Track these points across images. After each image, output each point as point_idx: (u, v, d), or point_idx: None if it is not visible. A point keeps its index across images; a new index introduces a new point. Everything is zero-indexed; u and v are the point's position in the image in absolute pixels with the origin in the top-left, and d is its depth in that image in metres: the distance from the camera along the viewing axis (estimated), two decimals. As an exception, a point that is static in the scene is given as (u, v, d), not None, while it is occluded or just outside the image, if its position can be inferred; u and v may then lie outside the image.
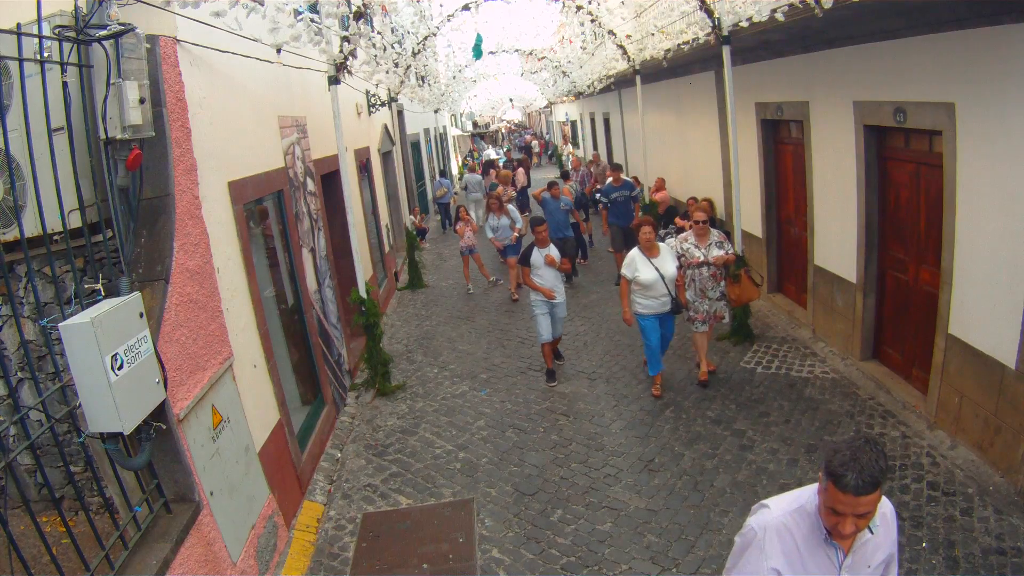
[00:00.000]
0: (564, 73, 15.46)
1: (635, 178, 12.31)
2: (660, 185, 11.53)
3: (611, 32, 9.65)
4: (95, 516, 2.86)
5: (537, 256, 6.28)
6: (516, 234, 9.58)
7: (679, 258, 5.92)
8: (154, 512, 3.05)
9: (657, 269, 5.61)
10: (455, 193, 18.07)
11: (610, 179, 10.04)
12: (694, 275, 6.04)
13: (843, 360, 6.17)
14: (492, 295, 10.07)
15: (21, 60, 2.58)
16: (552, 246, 6.39)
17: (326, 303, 6.42)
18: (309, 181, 6.28)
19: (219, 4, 3.76)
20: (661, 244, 5.82)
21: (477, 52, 12.11)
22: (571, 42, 13.47)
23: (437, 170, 21.62)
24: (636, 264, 5.65)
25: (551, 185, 9.84)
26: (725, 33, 6.26)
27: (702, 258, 5.98)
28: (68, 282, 3.07)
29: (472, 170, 22.86)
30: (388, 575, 4.08)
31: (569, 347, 7.44)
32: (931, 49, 4.51)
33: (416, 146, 17.25)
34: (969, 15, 4.03)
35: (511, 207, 9.81)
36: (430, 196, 19.07)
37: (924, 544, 3.73)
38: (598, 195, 10.33)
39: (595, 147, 21.25)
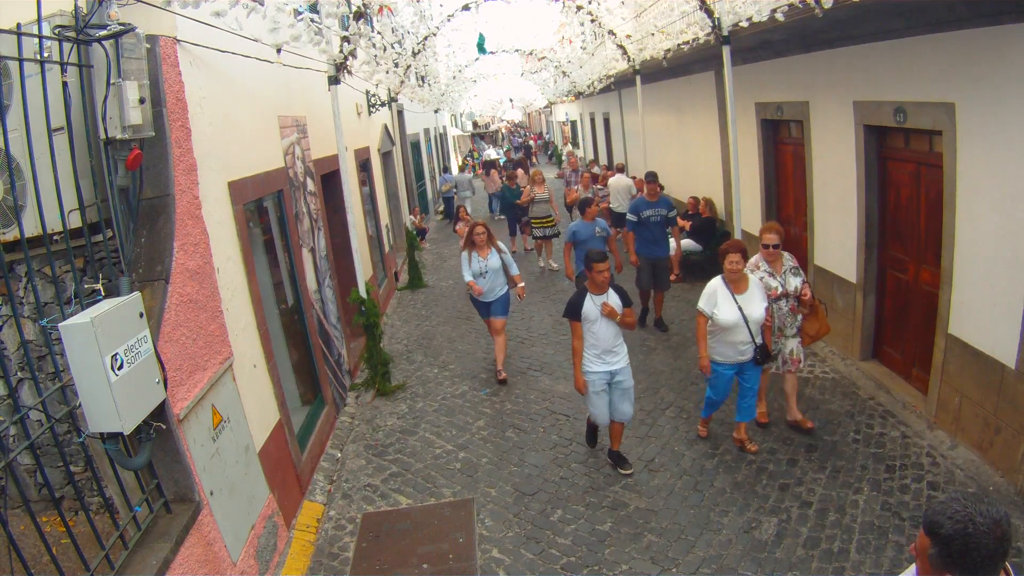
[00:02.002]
0: (564, 73, 15.47)
1: (635, 178, 12.30)
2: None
3: (611, 32, 9.65)
4: (95, 516, 2.86)
5: (591, 306, 4.55)
6: (518, 287, 6.71)
7: None
8: (154, 512, 3.05)
9: (741, 309, 4.50)
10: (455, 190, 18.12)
11: (641, 192, 7.94)
12: (771, 309, 4.78)
13: (843, 360, 6.17)
14: (492, 295, 10.06)
15: (21, 60, 2.57)
16: (612, 291, 4.63)
17: (326, 303, 6.42)
18: (309, 181, 6.28)
19: (219, 4, 3.75)
20: (752, 277, 4.67)
21: (481, 48, 12.14)
22: (571, 42, 13.49)
23: (440, 167, 21.77)
24: (717, 299, 4.58)
25: (583, 205, 7.40)
26: (725, 33, 6.25)
27: (780, 289, 4.84)
28: (68, 282, 3.07)
29: (461, 169, 22.87)
30: (388, 575, 4.08)
31: (569, 347, 7.37)
32: (931, 49, 4.51)
33: (416, 146, 17.25)
34: (969, 15, 4.03)
35: (500, 244, 6.77)
36: (430, 196, 19.09)
37: (924, 544, 3.73)
38: (627, 213, 7.82)
39: (595, 148, 21.24)
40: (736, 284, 4.57)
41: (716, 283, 4.64)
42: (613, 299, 4.57)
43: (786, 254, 4.97)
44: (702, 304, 4.65)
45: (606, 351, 4.59)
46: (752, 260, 4.94)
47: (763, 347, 4.60)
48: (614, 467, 4.88)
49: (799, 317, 4.96)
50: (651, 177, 7.65)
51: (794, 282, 4.87)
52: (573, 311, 4.61)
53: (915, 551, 1.63)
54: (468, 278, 6.66)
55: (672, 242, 7.85)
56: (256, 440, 4.09)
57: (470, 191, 18.96)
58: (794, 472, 4.59)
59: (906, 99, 4.86)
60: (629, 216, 7.52)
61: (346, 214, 6.45)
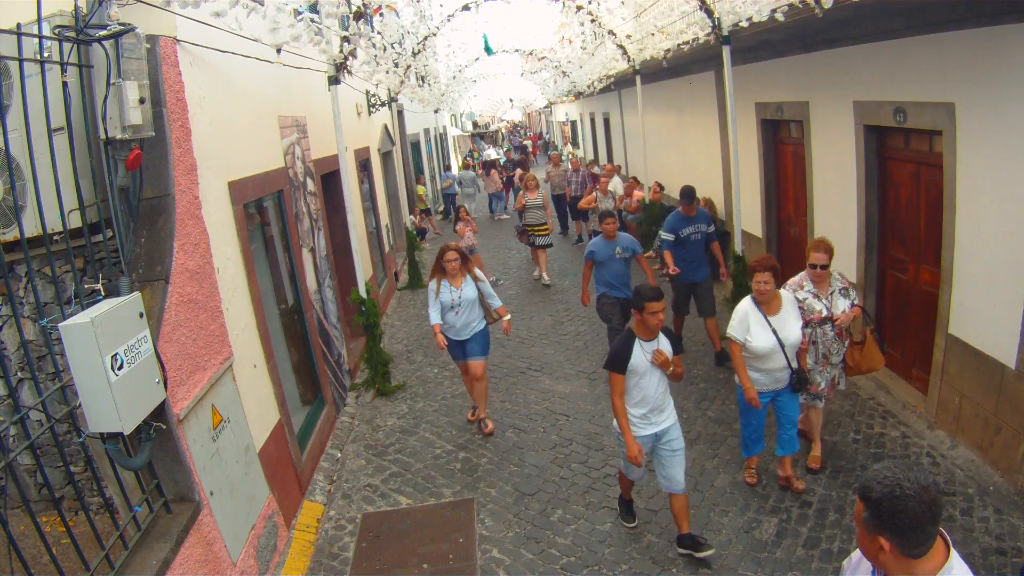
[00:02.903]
0: (564, 73, 15.47)
1: (634, 179, 12.30)
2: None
3: (611, 32, 9.66)
4: (95, 516, 2.86)
5: (640, 356, 3.69)
6: (504, 321, 5.61)
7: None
8: (154, 512, 3.05)
9: (776, 333, 4.07)
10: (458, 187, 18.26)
11: (678, 208, 6.61)
12: (814, 335, 4.39)
13: (843, 360, 6.16)
14: (492, 295, 10.06)
15: (21, 60, 2.58)
16: (663, 336, 3.79)
17: (326, 303, 6.42)
18: (309, 181, 6.28)
19: (219, 4, 3.76)
20: (784, 294, 4.23)
21: (488, 50, 12.14)
22: (571, 42, 13.49)
23: (440, 167, 21.88)
24: (749, 323, 4.12)
25: (603, 218, 6.38)
26: (725, 33, 6.26)
27: (825, 312, 4.34)
28: (68, 282, 3.07)
29: (466, 167, 22.96)
30: (388, 575, 4.08)
31: (569, 347, 7.44)
32: (931, 49, 4.51)
33: (416, 146, 17.26)
34: (969, 15, 4.03)
35: (478, 271, 5.65)
36: (430, 196, 19.11)
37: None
38: (661, 232, 6.78)
39: (595, 148, 21.23)
40: (768, 305, 4.12)
41: (746, 305, 4.17)
42: (665, 345, 3.75)
43: (836, 272, 4.45)
44: (734, 331, 4.16)
45: (654, 409, 3.77)
46: (795, 279, 4.48)
47: (799, 371, 4.15)
48: (690, 554, 3.85)
49: (846, 343, 4.45)
50: (688, 194, 6.47)
51: (842, 304, 4.33)
52: (618, 362, 3.69)
53: (855, 519, 1.72)
54: (434, 320, 5.37)
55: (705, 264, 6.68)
56: (256, 440, 4.09)
57: (474, 188, 18.96)
58: (793, 471, 4.59)
59: (906, 99, 4.86)
60: (665, 236, 6.52)
61: (346, 214, 6.46)
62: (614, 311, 6.20)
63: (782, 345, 4.06)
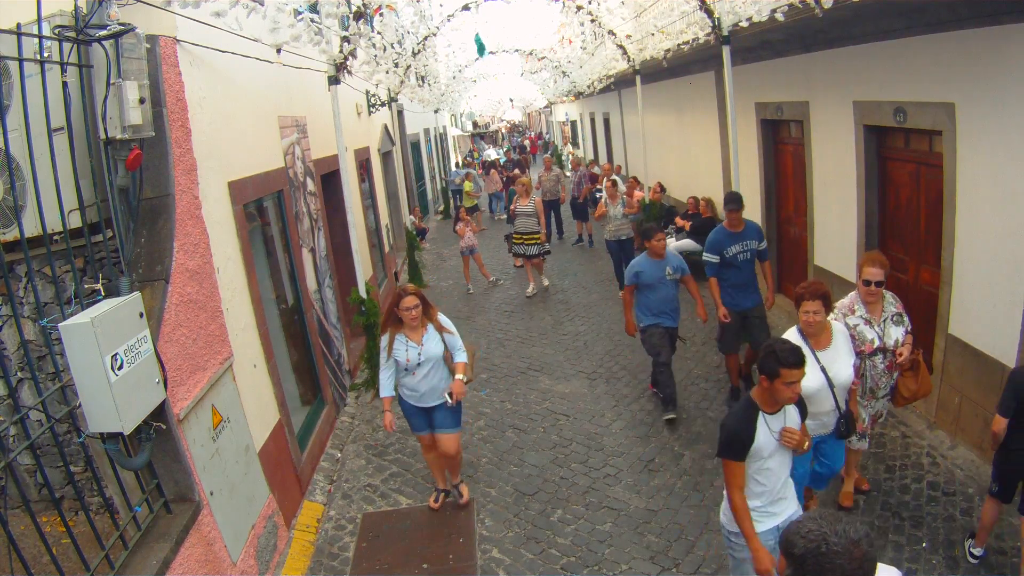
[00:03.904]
0: (564, 73, 15.47)
1: (634, 178, 12.30)
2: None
3: (611, 32, 9.66)
4: (95, 516, 2.86)
5: (766, 434, 2.79)
6: (453, 382, 4.27)
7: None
8: (154, 512, 3.05)
9: (824, 371, 3.43)
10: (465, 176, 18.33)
11: (722, 222, 5.56)
12: (863, 367, 3.84)
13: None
14: (492, 295, 10.06)
15: (21, 60, 2.58)
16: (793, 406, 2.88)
17: (326, 303, 6.42)
18: (309, 181, 6.28)
19: (219, 4, 3.76)
20: (835, 326, 3.59)
21: (480, 49, 12.13)
22: (571, 42, 13.49)
23: (440, 167, 22.29)
24: None
25: (646, 234, 5.45)
26: (725, 33, 6.26)
27: (878, 342, 3.77)
28: (68, 282, 3.07)
29: (467, 167, 23.03)
30: (388, 575, 4.08)
31: (569, 347, 7.44)
32: (931, 49, 4.51)
33: (416, 146, 17.26)
34: (969, 15, 4.03)
35: (443, 318, 4.35)
36: (430, 196, 19.12)
37: (924, 544, 3.74)
38: (704, 254, 5.61)
39: (595, 148, 21.23)
40: (816, 338, 3.50)
41: (791, 337, 3.45)
42: (793, 417, 2.87)
43: (889, 295, 3.86)
44: None
45: (776, 499, 2.88)
46: (845, 301, 3.90)
47: (848, 416, 3.53)
48: None
49: (895, 375, 3.89)
50: (734, 202, 5.34)
51: (895, 333, 3.79)
52: (738, 447, 2.77)
53: (779, 572, 1.59)
54: (386, 391, 4.27)
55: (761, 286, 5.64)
56: (256, 440, 4.09)
57: (477, 187, 18.99)
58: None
59: (906, 99, 4.86)
60: (709, 257, 5.42)
61: (346, 214, 6.46)
62: (664, 344, 5.43)
63: (831, 385, 3.44)
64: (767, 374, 2.73)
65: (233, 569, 3.49)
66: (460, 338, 4.37)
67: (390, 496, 4.90)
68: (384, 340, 4.25)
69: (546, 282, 9.93)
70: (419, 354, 4.19)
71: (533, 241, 9.39)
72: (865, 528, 1.47)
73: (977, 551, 3.55)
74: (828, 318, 3.58)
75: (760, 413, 2.80)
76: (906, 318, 3.88)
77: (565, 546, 4.14)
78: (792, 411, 2.88)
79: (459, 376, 4.28)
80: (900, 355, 3.76)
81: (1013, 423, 3.24)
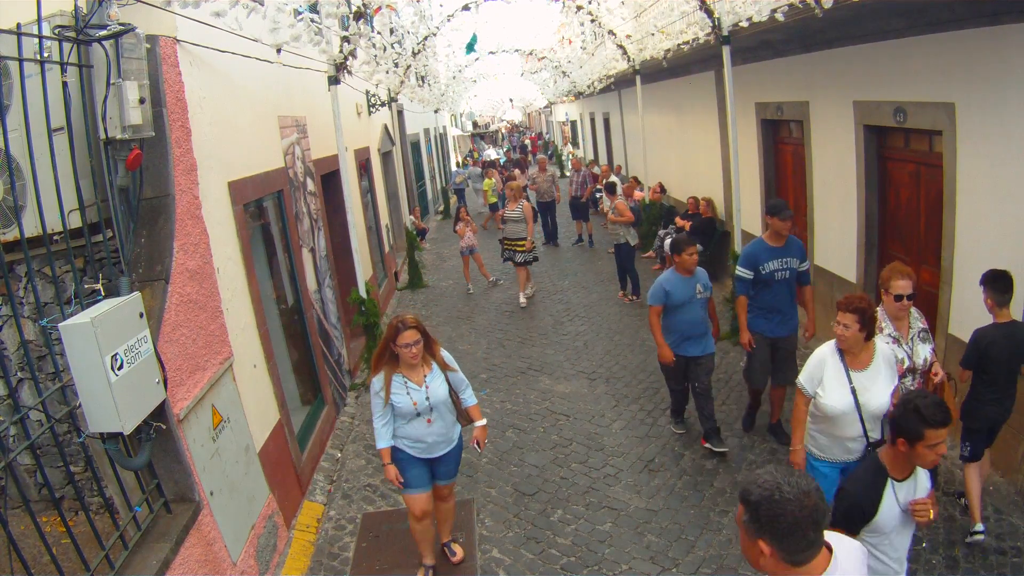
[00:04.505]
0: (564, 73, 15.48)
1: (634, 178, 12.30)
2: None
3: (611, 32, 9.67)
4: (95, 516, 2.86)
5: (892, 505, 2.37)
6: (476, 429, 3.86)
7: None
8: (154, 512, 3.05)
9: (855, 393, 3.12)
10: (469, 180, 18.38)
11: (763, 236, 4.85)
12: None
13: (843, 360, 6.15)
14: (492, 295, 10.06)
15: (21, 60, 2.58)
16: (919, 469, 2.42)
17: (326, 303, 6.42)
18: (309, 181, 6.28)
19: (219, 4, 3.76)
20: (880, 347, 3.24)
21: (469, 48, 12.16)
22: (571, 42, 13.51)
23: (440, 168, 22.33)
24: (825, 374, 3.21)
25: (676, 247, 4.75)
26: (725, 33, 6.26)
27: (908, 361, 3.50)
28: (68, 282, 3.07)
29: (467, 166, 23.15)
30: (388, 575, 4.08)
31: (569, 347, 7.43)
32: (931, 49, 4.51)
33: (416, 146, 17.26)
34: (969, 15, 4.03)
35: (445, 353, 3.74)
36: (430, 196, 19.12)
37: (924, 544, 3.73)
38: (737, 268, 4.87)
39: (595, 148, 21.22)
40: (853, 356, 3.17)
41: (826, 351, 3.24)
42: (923, 485, 2.44)
43: (914, 310, 3.58)
44: (803, 380, 3.29)
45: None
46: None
47: (879, 446, 3.01)
48: None
49: None
50: (781, 209, 4.66)
51: (923, 352, 3.53)
52: (859, 518, 2.35)
53: (736, 521, 1.72)
54: (384, 442, 3.60)
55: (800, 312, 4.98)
56: (256, 440, 4.09)
57: (479, 183, 19.01)
58: (794, 472, 4.59)
59: (906, 99, 4.86)
60: (742, 273, 4.72)
61: (346, 214, 6.46)
62: (681, 372, 4.94)
63: (859, 410, 3.11)
64: (907, 436, 2.28)
65: (233, 569, 3.49)
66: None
67: (390, 496, 4.90)
68: (377, 383, 3.54)
69: (523, 300, 9.14)
70: (424, 398, 3.51)
71: (520, 247, 8.99)
72: (816, 483, 1.60)
73: (977, 527, 3.60)
74: (876, 338, 3.26)
75: (889, 480, 2.37)
76: (931, 335, 3.65)
77: (565, 546, 4.14)
78: (923, 476, 2.44)
79: (480, 422, 3.82)
80: (936, 375, 3.53)
81: (984, 378, 3.53)
